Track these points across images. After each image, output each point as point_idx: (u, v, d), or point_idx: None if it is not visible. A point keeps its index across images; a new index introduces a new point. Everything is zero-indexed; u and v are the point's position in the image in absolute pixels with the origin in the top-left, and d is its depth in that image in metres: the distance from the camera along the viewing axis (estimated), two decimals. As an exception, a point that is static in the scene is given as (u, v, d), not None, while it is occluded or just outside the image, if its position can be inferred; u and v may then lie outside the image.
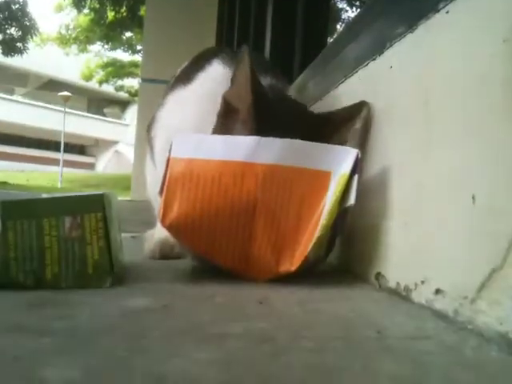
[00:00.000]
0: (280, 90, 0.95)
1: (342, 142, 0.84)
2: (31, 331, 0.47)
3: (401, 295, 0.66)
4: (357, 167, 0.74)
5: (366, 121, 0.85)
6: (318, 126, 0.84)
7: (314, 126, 0.84)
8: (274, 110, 0.82)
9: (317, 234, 0.72)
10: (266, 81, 0.94)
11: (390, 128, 0.77)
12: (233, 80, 0.84)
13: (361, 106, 0.86)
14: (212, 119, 0.87)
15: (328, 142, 0.80)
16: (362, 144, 0.85)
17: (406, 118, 0.71)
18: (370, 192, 0.80)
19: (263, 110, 0.80)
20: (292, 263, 0.73)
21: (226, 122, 0.84)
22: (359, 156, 0.75)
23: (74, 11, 14.32)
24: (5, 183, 10.50)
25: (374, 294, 0.70)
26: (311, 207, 0.75)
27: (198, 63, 1.08)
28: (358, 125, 0.85)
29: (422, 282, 0.61)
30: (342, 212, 0.74)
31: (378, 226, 0.76)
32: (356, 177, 0.74)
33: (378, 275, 0.73)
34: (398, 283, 0.67)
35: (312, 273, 0.78)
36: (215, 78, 0.98)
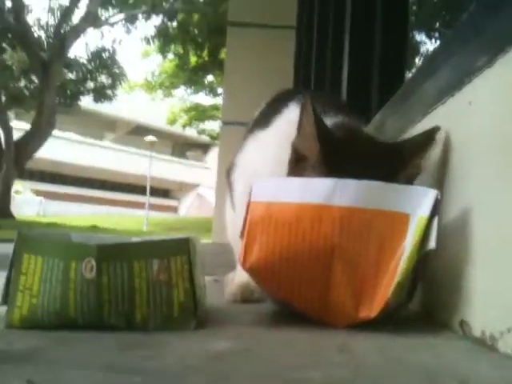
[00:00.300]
0: (350, 127, 0.96)
1: (417, 172, 0.83)
2: (123, 371, 0.50)
3: (486, 344, 0.63)
4: (436, 209, 0.73)
5: (440, 146, 0.84)
6: (391, 156, 0.84)
7: (387, 157, 0.83)
8: (344, 151, 0.83)
9: (397, 278, 0.71)
10: (336, 119, 0.95)
11: (470, 166, 0.75)
12: (299, 129, 0.86)
13: (433, 131, 0.85)
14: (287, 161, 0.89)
15: (402, 173, 0.79)
16: (439, 175, 0.83)
17: (486, 156, 0.69)
18: (450, 234, 0.77)
19: (332, 154, 0.82)
20: (372, 309, 0.72)
21: (297, 168, 0.87)
22: (438, 197, 0.73)
23: (160, 57, 15.18)
24: (94, 227, 11.07)
25: (458, 343, 0.67)
26: (390, 251, 0.74)
27: (274, 106, 1.11)
28: (431, 151, 0.84)
29: (509, 331, 0.58)
30: (422, 256, 0.72)
31: (460, 271, 0.73)
32: (436, 219, 0.72)
33: (462, 323, 0.71)
34: (482, 331, 0.64)
35: (393, 319, 0.77)
36: (292, 121, 1.00)
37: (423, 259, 0.73)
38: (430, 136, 0.85)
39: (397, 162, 0.83)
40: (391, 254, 0.73)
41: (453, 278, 0.76)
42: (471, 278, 0.71)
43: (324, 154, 0.82)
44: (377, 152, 0.86)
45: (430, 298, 0.86)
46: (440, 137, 0.85)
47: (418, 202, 0.74)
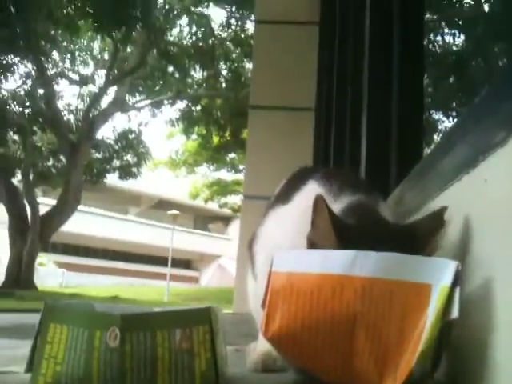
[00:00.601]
0: (365, 208, 0.99)
1: (432, 252, 0.85)
2: None
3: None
4: (458, 279, 0.73)
5: (459, 221, 0.86)
6: (406, 240, 0.85)
7: (402, 241, 0.85)
8: (360, 238, 0.85)
9: (420, 348, 0.71)
10: (352, 198, 0.99)
11: (488, 240, 0.77)
12: (313, 223, 0.89)
13: (441, 212, 0.87)
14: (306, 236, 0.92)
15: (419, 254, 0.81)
16: (460, 248, 0.85)
17: (503, 232, 0.71)
18: (473, 303, 0.78)
19: (348, 244, 0.83)
20: (396, 378, 0.72)
21: None
22: (459, 268, 0.74)
23: (183, 138, 15.71)
24: (116, 297, 11.05)
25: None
26: (413, 320, 0.74)
27: (294, 183, 1.16)
28: (442, 232, 0.86)
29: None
30: (445, 326, 0.72)
31: (485, 341, 0.73)
32: (458, 289, 0.73)
33: (489, 393, 0.69)
34: (509, 402, 0.63)
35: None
36: (310, 197, 1.04)
37: (447, 328, 0.73)
38: (439, 218, 0.88)
39: (412, 246, 0.85)
40: (414, 323, 0.73)
41: (477, 348, 0.75)
42: (496, 348, 0.70)
43: (341, 246, 0.84)
44: (392, 236, 0.88)
45: (455, 367, 0.84)
46: (449, 217, 0.87)
47: (440, 272, 0.75)
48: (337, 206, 0.97)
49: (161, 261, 28.34)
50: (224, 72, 13.22)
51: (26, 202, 10.83)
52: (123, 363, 0.71)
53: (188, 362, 0.71)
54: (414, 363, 0.70)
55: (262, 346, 1.02)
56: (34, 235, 10.45)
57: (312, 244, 0.89)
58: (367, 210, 0.98)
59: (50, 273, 21.11)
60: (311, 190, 1.06)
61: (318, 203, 0.88)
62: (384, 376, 0.73)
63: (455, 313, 0.71)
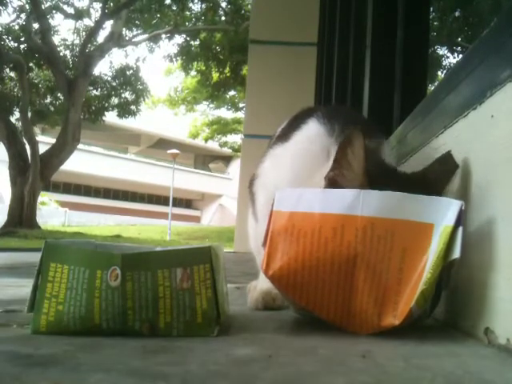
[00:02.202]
0: (373, 151, 0.95)
1: None
2: (147, 376, 0.51)
3: (511, 351, 0.63)
4: (461, 219, 0.73)
5: (463, 158, 0.85)
6: (422, 188, 0.83)
7: (418, 190, 0.83)
8: (378, 187, 0.81)
9: (421, 287, 0.71)
10: None
11: (492, 178, 0.75)
12: (340, 162, 0.83)
13: (450, 157, 0.85)
14: (306, 175, 0.90)
15: None
16: (463, 186, 0.84)
17: (509, 167, 0.69)
18: (474, 243, 0.77)
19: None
20: (395, 317, 0.72)
21: None
22: (463, 207, 0.73)
23: (182, 74, 15.41)
24: (118, 236, 11.23)
25: (483, 350, 0.67)
26: (413, 260, 0.74)
27: (294, 123, 1.12)
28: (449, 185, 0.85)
29: (535, 339, 0.57)
30: (446, 265, 0.72)
31: (485, 280, 0.73)
32: (461, 229, 0.72)
33: (487, 331, 0.70)
34: (508, 339, 0.64)
35: (416, 327, 0.77)
36: (309, 136, 1.02)
37: (448, 268, 0.73)
38: (450, 161, 0.86)
39: (429, 194, 0.82)
40: (414, 263, 0.73)
41: (477, 287, 0.75)
42: (496, 286, 0.70)
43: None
44: (410, 186, 0.83)
45: (454, 306, 0.85)
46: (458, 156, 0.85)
47: (443, 212, 0.74)
48: (332, 142, 0.95)
49: (162, 200, 28.62)
50: (223, 4, 12.80)
51: (25, 141, 10.78)
52: (124, 302, 0.72)
53: (189, 301, 0.72)
54: (413, 303, 0.71)
55: (262, 284, 1.04)
56: (34, 174, 10.45)
57: (333, 184, 0.83)
58: (376, 154, 0.94)
59: (52, 212, 21.34)
60: (311, 128, 1.04)
61: (354, 139, 0.81)
62: (383, 315, 0.74)
63: (457, 253, 0.71)
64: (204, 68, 13.40)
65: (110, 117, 13.77)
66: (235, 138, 19.61)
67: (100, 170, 25.98)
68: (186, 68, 13.69)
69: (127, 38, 13.15)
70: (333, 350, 0.65)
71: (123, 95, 13.11)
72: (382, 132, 1.11)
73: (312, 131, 1.03)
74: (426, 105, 1.25)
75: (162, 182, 25.92)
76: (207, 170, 32.76)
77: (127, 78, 13.00)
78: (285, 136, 1.11)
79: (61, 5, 12.23)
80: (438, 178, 0.86)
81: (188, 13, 13.19)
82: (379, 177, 0.84)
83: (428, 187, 0.83)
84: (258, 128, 5.38)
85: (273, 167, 1.12)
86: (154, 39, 13.10)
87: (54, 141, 11.93)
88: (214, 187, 29.95)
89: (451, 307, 0.86)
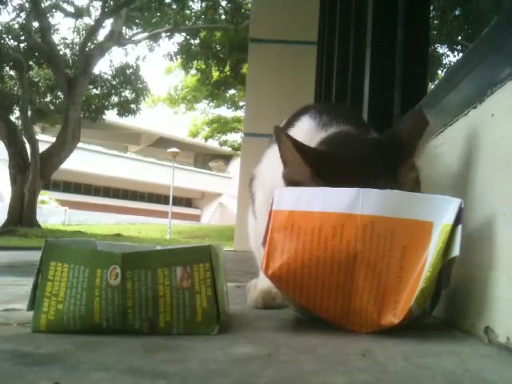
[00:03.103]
0: (352, 133, 0.96)
1: (417, 159, 0.86)
2: (147, 374, 0.51)
3: (511, 350, 0.63)
4: (460, 217, 0.73)
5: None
6: (390, 151, 0.85)
7: (387, 153, 0.84)
8: (337, 161, 0.84)
9: (420, 286, 0.71)
10: (341, 127, 0.97)
11: (493, 176, 0.75)
12: (283, 160, 0.86)
13: (420, 112, 0.87)
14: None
15: (405, 164, 0.83)
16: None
17: (509, 166, 0.69)
18: (474, 241, 0.77)
19: (325, 170, 0.82)
20: (395, 315, 0.72)
21: None
22: (462, 205, 0.73)
23: (182, 73, 15.41)
24: (118, 235, 11.24)
25: (483, 349, 0.67)
26: (413, 258, 0.74)
27: (290, 121, 1.13)
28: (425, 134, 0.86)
29: (535, 338, 0.57)
30: (446, 264, 0.72)
31: (485, 278, 0.73)
32: (460, 227, 0.72)
33: (487, 329, 0.70)
34: (508, 338, 0.64)
35: (416, 326, 0.77)
36: (302, 131, 1.02)
37: (447, 267, 0.73)
38: (421, 117, 0.87)
39: (399, 153, 0.84)
40: (414, 262, 0.73)
41: (477, 285, 0.75)
42: (496, 284, 0.70)
43: (317, 173, 0.83)
44: (374, 151, 0.86)
45: (454, 305, 0.85)
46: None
47: (442, 210, 0.74)
48: (322, 135, 0.96)
49: (162, 199, 28.62)
50: (223, 3, 12.79)
51: (25, 140, 10.78)
52: (125, 301, 0.72)
53: (189, 300, 0.72)
54: (413, 301, 0.71)
55: (262, 283, 1.04)
56: (34, 173, 10.45)
57: (289, 183, 0.87)
58: (351, 135, 0.95)
59: (52, 211, 21.34)
60: (303, 124, 1.05)
61: (281, 138, 0.84)
62: (382, 314, 0.74)
63: (456, 251, 0.71)
64: (204, 67, 13.39)
65: (110, 115, 13.78)
66: (235, 137, 19.62)
67: (100, 168, 25.96)
68: (185, 67, 13.68)
69: (127, 37, 13.14)
70: (333, 349, 0.65)
71: (123, 94, 13.11)
72: (378, 130, 1.11)
73: (304, 126, 1.03)
74: (426, 103, 1.25)
75: (162, 180, 25.91)
76: (207, 168, 32.77)
77: (127, 77, 13.00)
78: None
79: (61, 3, 12.23)
80: (409, 135, 0.86)
81: (188, 11, 13.18)
82: (340, 151, 0.87)
83: (400, 145, 0.85)
84: (258, 127, 5.38)
85: (270, 166, 1.12)
86: (154, 38, 13.10)
87: (53, 139, 11.93)
88: (214, 186, 29.94)
89: (451, 306, 0.86)
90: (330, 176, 0.82)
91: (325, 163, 0.83)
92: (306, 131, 1.00)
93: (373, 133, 1.04)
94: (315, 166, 0.83)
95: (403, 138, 0.86)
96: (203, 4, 13.01)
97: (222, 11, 12.94)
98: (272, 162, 1.12)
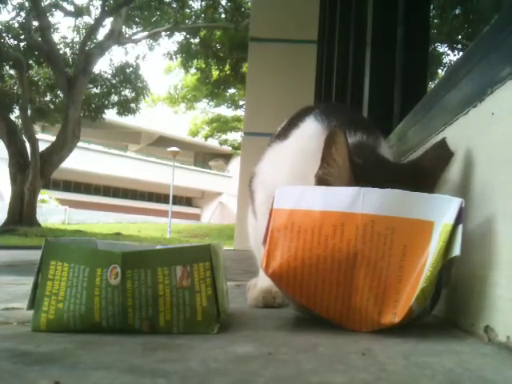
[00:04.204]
0: (369, 147, 0.96)
1: (440, 186, 0.84)
2: (147, 373, 0.51)
3: (511, 349, 0.63)
4: (461, 217, 0.73)
5: (463, 155, 0.85)
6: (418, 177, 0.84)
7: (414, 179, 0.83)
8: (373, 181, 0.82)
9: (421, 285, 0.71)
10: (354, 138, 0.96)
11: (493, 175, 0.75)
12: (326, 159, 0.85)
13: (445, 144, 0.86)
14: (304, 172, 0.90)
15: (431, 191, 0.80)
16: (463, 183, 0.84)
17: (510, 165, 0.69)
18: (474, 241, 0.77)
19: (360, 181, 0.81)
20: (395, 315, 0.72)
21: None
22: (463, 205, 0.73)
23: (182, 72, 15.40)
24: (118, 234, 11.24)
25: (483, 348, 0.67)
26: (414, 258, 0.74)
27: (293, 122, 1.13)
28: (451, 164, 0.85)
29: (535, 337, 0.57)
30: (446, 263, 0.72)
31: (485, 278, 0.73)
32: (461, 227, 0.72)
33: (487, 328, 0.70)
34: (508, 337, 0.64)
35: (416, 325, 0.77)
36: (307, 134, 1.02)
37: (448, 266, 0.73)
38: (445, 149, 0.86)
39: (423, 183, 0.83)
40: (415, 261, 0.73)
41: (477, 284, 0.75)
42: (496, 283, 0.70)
43: (355, 179, 0.81)
44: (401, 175, 0.85)
45: (454, 304, 0.85)
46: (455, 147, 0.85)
47: (443, 209, 0.74)
48: None
49: (162, 198, 28.63)
50: (223, 2, 12.78)
51: (25, 139, 10.77)
52: (124, 300, 0.72)
53: (189, 299, 0.72)
54: (413, 300, 0.71)
55: (262, 282, 1.04)
56: (34, 172, 10.45)
57: (322, 183, 0.85)
58: (371, 150, 0.95)
59: (52, 210, 21.35)
60: (309, 126, 1.04)
61: (336, 137, 0.82)
62: (383, 313, 0.74)
63: (457, 251, 0.71)
64: (204, 66, 13.39)
65: (110, 115, 13.77)
66: (235, 136, 19.60)
67: (100, 167, 25.96)
68: (185, 66, 13.67)
69: (127, 36, 13.13)
70: (333, 348, 0.65)
71: (123, 93, 13.10)
72: (380, 130, 1.11)
73: (310, 129, 1.03)
74: (426, 102, 1.25)
75: (162, 179, 25.91)
76: (207, 167, 32.77)
77: (127, 76, 13.00)
78: (283, 134, 1.12)
79: (60, 2, 12.22)
80: (433, 166, 0.86)
81: (188, 10, 13.18)
82: (372, 170, 0.85)
83: (423, 176, 0.84)
84: (258, 126, 5.38)
85: (271, 165, 1.12)
86: (154, 37, 13.10)
87: (53, 138, 11.92)
88: (214, 185, 29.95)
89: (451, 305, 0.86)
90: None
91: (365, 182, 0.81)
92: (312, 134, 1.00)
93: (381, 138, 1.03)
94: (359, 181, 0.81)
95: (427, 168, 0.86)
96: (203, 3, 13.01)
97: (221, 10, 12.94)
98: (272, 161, 1.12)
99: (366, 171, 0.84)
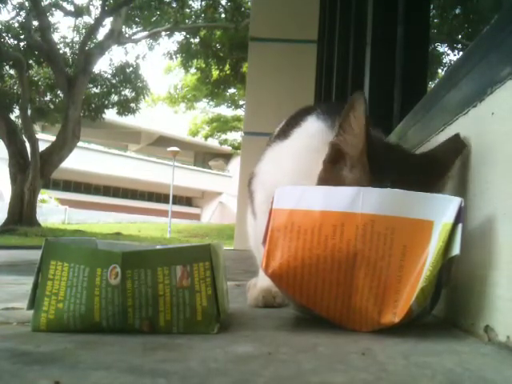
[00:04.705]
0: (375, 138, 0.96)
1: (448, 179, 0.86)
2: (147, 373, 0.51)
3: (511, 349, 0.63)
4: (461, 216, 0.73)
5: (463, 155, 0.86)
6: (428, 166, 0.86)
7: (425, 167, 0.85)
8: (385, 158, 0.84)
9: (420, 285, 0.71)
10: None
11: (493, 175, 0.75)
12: (343, 126, 0.84)
13: (458, 137, 0.87)
14: (308, 170, 0.90)
15: (440, 181, 0.83)
16: (463, 183, 0.85)
17: (510, 164, 0.69)
18: (474, 240, 0.77)
19: (373, 158, 0.82)
20: (395, 314, 0.72)
21: (334, 169, 0.86)
22: (463, 204, 0.73)
23: (182, 72, 15.40)
24: (118, 234, 11.24)
25: (483, 348, 0.67)
26: (413, 257, 0.74)
27: (293, 121, 1.13)
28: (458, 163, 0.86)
29: (535, 337, 0.57)
30: (446, 263, 0.72)
31: (485, 277, 0.73)
32: (460, 226, 0.72)
33: (487, 328, 0.70)
34: (508, 337, 0.64)
35: (416, 325, 0.77)
36: (310, 133, 1.02)
37: (448, 266, 0.73)
38: (459, 140, 0.87)
39: (434, 171, 0.84)
40: (414, 260, 0.73)
41: (477, 284, 0.75)
42: (496, 283, 0.70)
43: (368, 155, 0.82)
44: (413, 161, 0.87)
45: (454, 303, 0.85)
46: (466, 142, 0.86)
47: (443, 209, 0.74)
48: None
49: (162, 198, 28.64)
50: (223, 1, 12.78)
51: (25, 138, 10.78)
52: (125, 300, 0.72)
53: (189, 299, 0.72)
54: (413, 300, 0.71)
55: (262, 282, 1.04)
56: (34, 172, 10.45)
57: (335, 150, 0.85)
58: (383, 139, 0.96)
59: (52, 210, 21.35)
60: (311, 125, 1.04)
61: (356, 104, 0.81)
62: (382, 313, 0.74)
63: (457, 250, 0.71)
64: (204, 65, 13.39)
65: (110, 114, 13.77)
66: (235, 136, 19.59)
67: (100, 167, 25.96)
68: (185, 66, 13.68)
69: (127, 36, 13.14)
70: (333, 348, 0.65)
71: (123, 93, 13.11)
72: (381, 130, 1.12)
73: (312, 127, 1.03)
74: (426, 102, 1.25)
75: (162, 179, 25.91)
76: (207, 167, 32.77)
77: (127, 76, 13.00)
78: (284, 134, 1.11)
79: (60, 2, 12.22)
80: (446, 155, 0.87)
81: (188, 10, 13.18)
82: (386, 153, 0.86)
83: (435, 164, 0.85)
84: (258, 126, 5.38)
85: (272, 165, 1.12)
86: (154, 37, 13.10)
87: (53, 138, 11.92)
88: (214, 185, 29.95)
89: (451, 305, 0.86)
90: (374, 166, 0.81)
91: (377, 154, 0.83)
92: (315, 132, 1.00)
93: (382, 136, 1.04)
94: (370, 149, 0.82)
95: (440, 157, 0.87)
96: (203, 3, 13.01)
97: (221, 10, 12.94)
98: (273, 161, 1.12)
99: (379, 152, 0.85)
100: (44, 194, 20.35)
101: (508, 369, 0.56)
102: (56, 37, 12.40)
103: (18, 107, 11.46)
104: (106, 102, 12.90)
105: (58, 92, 12.36)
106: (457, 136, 0.87)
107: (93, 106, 12.72)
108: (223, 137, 20.25)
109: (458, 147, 0.86)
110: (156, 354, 0.60)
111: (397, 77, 1.94)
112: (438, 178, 0.85)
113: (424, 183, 0.80)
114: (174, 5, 12.70)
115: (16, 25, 11.79)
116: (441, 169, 0.86)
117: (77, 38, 13.00)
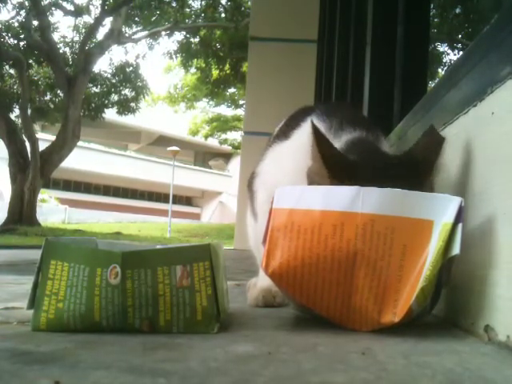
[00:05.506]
0: (366, 143, 0.96)
1: (436, 174, 0.85)
2: (147, 373, 0.51)
3: (511, 349, 0.63)
4: (460, 216, 0.73)
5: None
6: (411, 168, 0.84)
7: (407, 170, 0.84)
8: (359, 173, 0.83)
9: (420, 284, 0.71)
10: (354, 134, 0.96)
11: (493, 175, 0.75)
12: (311, 155, 0.86)
13: (434, 131, 0.87)
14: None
15: (427, 181, 0.82)
16: (463, 183, 0.85)
17: (509, 164, 0.69)
18: (474, 240, 0.77)
19: (343, 179, 0.82)
20: (395, 314, 0.73)
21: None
22: (463, 204, 0.73)
23: (182, 71, 15.40)
24: (118, 233, 11.24)
25: (483, 348, 0.67)
26: (413, 257, 0.74)
27: (293, 121, 1.13)
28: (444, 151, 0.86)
29: (535, 336, 0.57)
30: (446, 262, 0.72)
31: (485, 277, 0.73)
32: (460, 226, 0.72)
33: (487, 328, 0.70)
34: (508, 336, 0.64)
35: (416, 325, 0.77)
36: (309, 133, 1.02)
37: (448, 265, 0.73)
38: (435, 136, 0.87)
39: (418, 173, 0.84)
40: (414, 260, 0.73)
41: (477, 284, 0.75)
42: (496, 283, 0.70)
43: (336, 178, 0.82)
44: (395, 168, 0.85)
45: (454, 303, 0.85)
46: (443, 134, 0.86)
47: (443, 208, 0.74)
48: (337, 142, 0.95)
49: (162, 197, 28.64)
50: (223, 1, 12.79)
51: (25, 138, 10.78)
52: (124, 300, 0.72)
53: (189, 298, 0.72)
54: (413, 300, 0.71)
55: (262, 281, 1.04)
56: (34, 171, 10.45)
57: (310, 181, 0.87)
58: (368, 145, 0.95)
59: (52, 209, 21.35)
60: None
61: (314, 133, 0.85)
62: (382, 312, 0.74)
63: (457, 250, 0.71)
64: (204, 65, 13.38)
65: (110, 114, 13.77)
66: (235, 136, 19.59)
67: (100, 167, 25.96)
68: (185, 65, 13.68)
69: (127, 35, 13.13)
70: (333, 347, 0.65)
71: (123, 92, 13.11)
72: (381, 129, 1.11)
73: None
74: (426, 102, 1.25)
75: (161, 179, 25.90)
76: (207, 167, 32.76)
77: (127, 75, 13.00)
78: (284, 134, 1.12)
79: (60, 2, 12.22)
80: (427, 152, 0.86)
81: (188, 10, 13.18)
82: (367, 165, 0.85)
83: (419, 164, 0.84)
84: (258, 125, 5.38)
85: (273, 165, 1.12)
86: (154, 36, 13.10)
87: (53, 138, 11.92)
88: (214, 184, 29.94)
89: (451, 304, 0.86)
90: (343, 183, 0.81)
91: (346, 174, 0.82)
92: None
93: (381, 137, 1.04)
94: (334, 173, 0.83)
95: (421, 156, 0.86)
96: (203, 2, 13.01)
97: (221, 9, 12.94)
98: (274, 161, 1.12)
99: (360, 166, 0.84)
100: (44, 194, 20.36)
101: (508, 368, 0.56)
102: (56, 36, 12.41)
103: (17, 107, 11.46)
104: (106, 102, 12.90)
105: (58, 91, 12.36)
106: (432, 129, 0.87)
107: (93, 105, 12.72)
108: (223, 136, 20.25)
109: (437, 140, 0.86)
110: (156, 353, 0.60)
111: (397, 76, 1.94)
112: (425, 175, 0.84)
113: (412, 183, 0.79)
114: (174, 4, 12.70)
115: (16, 24, 11.80)
116: (426, 166, 0.85)
117: (77, 38, 13.01)
